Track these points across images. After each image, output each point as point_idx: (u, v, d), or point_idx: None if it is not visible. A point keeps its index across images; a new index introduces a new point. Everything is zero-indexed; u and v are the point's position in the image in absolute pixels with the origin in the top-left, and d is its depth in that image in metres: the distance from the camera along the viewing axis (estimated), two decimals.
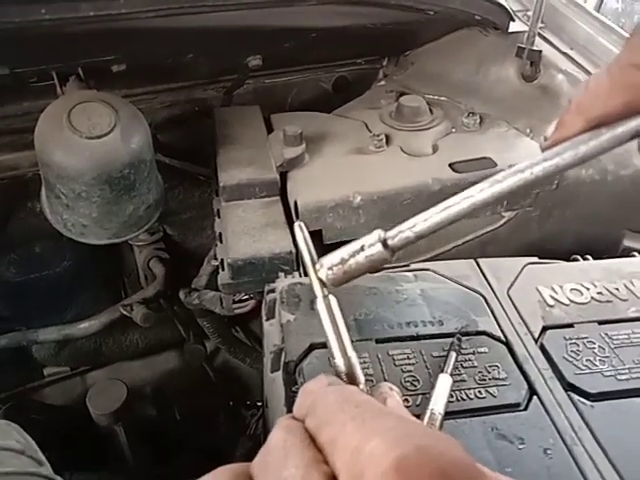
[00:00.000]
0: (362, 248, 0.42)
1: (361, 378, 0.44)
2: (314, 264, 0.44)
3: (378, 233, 0.42)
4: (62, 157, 0.77)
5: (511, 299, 0.73)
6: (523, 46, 1.09)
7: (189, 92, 1.21)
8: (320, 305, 0.44)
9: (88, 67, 0.86)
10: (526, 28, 1.17)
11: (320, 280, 0.44)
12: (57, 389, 1.39)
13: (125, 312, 1.09)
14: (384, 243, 0.42)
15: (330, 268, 0.43)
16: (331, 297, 0.45)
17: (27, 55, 0.79)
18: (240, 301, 0.98)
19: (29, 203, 1.13)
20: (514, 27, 1.16)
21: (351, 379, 0.44)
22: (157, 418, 1.42)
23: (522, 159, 1.07)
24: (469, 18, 1.06)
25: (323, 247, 0.95)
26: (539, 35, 1.13)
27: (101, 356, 1.35)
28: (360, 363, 0.44)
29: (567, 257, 0.87)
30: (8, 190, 1.10)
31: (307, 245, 0.45)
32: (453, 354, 0.62)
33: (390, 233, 0.42)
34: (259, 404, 1.49)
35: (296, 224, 0.45)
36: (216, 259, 1.08)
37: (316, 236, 0.92)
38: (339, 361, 0.44)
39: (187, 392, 1.47)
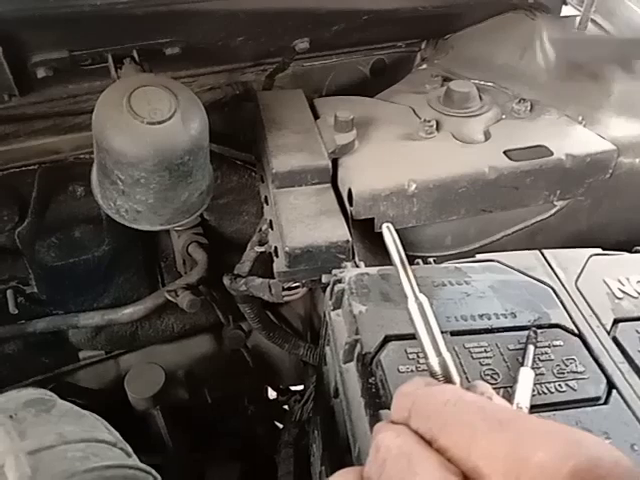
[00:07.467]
0: None
1: (456, 378, 0.43)
2: (404, 265, 0.44)
3: None
4: (122, 143, 0.75)
5: (580, 291, 0.72)
6: (575, 31, 1.07)
7: (229, 75, 1.19)
8: (412, 306, 0.44)
9: (142, 50, 0.84)
10: (574, 12, 1.14)
11: (410, 280, 0.44)
12: (91, 372, 1.39)
13: (170, 298, 1.08)
14: None
15: None
16: (422, 297, 0.44)
17: (86, 37, 0.77)
18: (289, 288, 0.97)
19: (70, 187, 1.12)
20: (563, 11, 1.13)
21: (447, 380, 0.43)
22: (189, 402, 1.43)
23: (577, 147, 1.04)
24: (522, 1, 1.04)
25: (374, 235, 0.94)
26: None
27: (137, 340, 1.35)
28: None
29: (615, 247, 0.86)
30: (49, 174, 1.08)
31: (396, 246, 0.44)
32: (531, 347, 0.62)
33: None
34: (293, 389, 1.49)
35: (384, 225, 0.45)
36: (260, 245, 1.07)
37: (368, 224, 0.91)
38: (433, 361, 0.43)
39: (218, 375, 1.48)
